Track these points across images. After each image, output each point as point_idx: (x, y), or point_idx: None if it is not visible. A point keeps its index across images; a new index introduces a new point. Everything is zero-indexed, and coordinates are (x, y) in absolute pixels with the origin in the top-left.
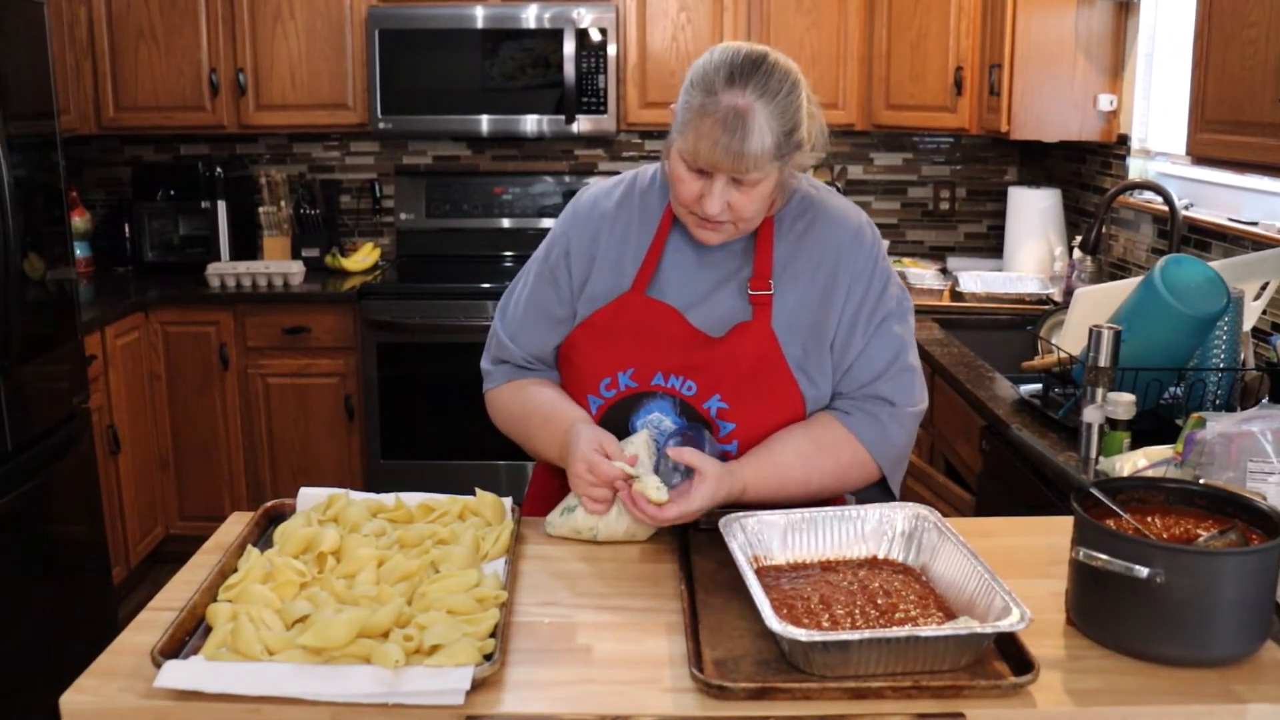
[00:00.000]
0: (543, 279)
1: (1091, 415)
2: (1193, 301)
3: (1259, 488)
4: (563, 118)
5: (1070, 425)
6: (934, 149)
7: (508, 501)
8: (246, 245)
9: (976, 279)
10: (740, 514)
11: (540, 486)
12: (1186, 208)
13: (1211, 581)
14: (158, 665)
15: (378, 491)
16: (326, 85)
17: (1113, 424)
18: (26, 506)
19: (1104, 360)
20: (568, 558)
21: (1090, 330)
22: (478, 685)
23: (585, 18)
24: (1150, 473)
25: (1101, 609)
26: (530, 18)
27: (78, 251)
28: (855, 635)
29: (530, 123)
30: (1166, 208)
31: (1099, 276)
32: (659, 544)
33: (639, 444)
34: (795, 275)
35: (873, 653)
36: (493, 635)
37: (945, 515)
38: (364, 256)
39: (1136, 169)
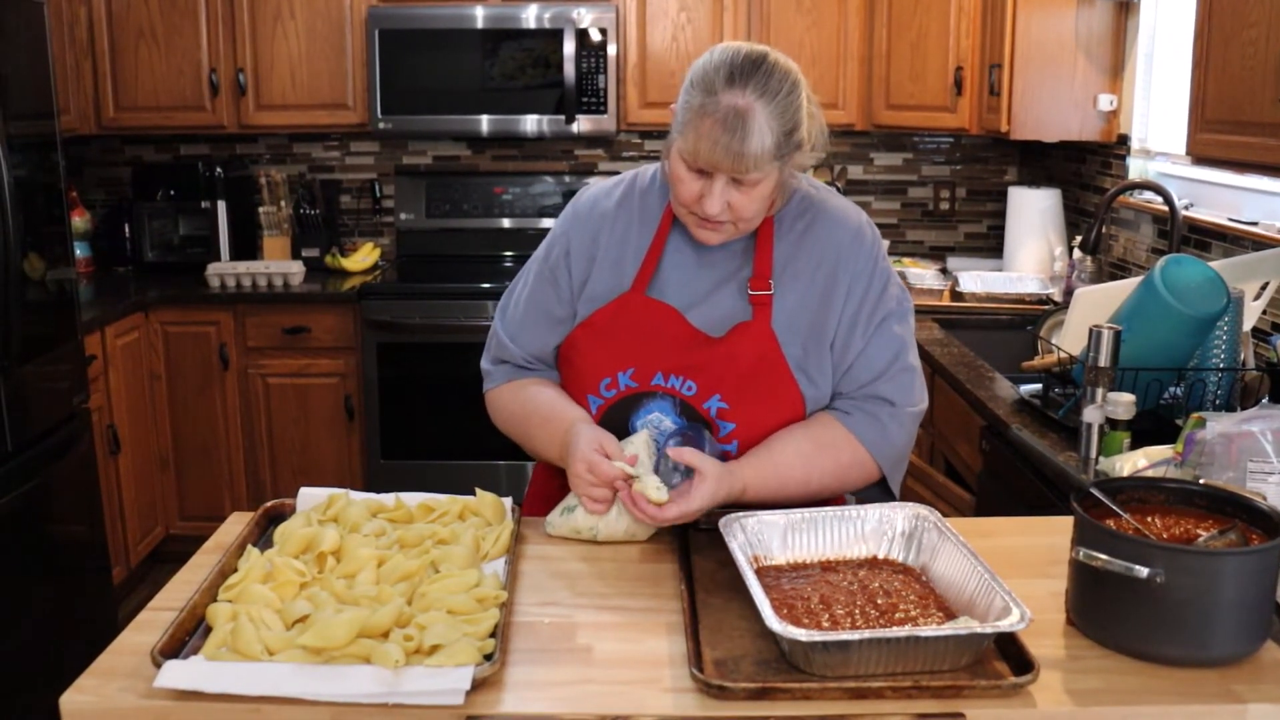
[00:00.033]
0: (543, 279)
1: (1091, 415)
2: (1193, 301)
3: (1259, 488)
4: (563, 118)
5: (1070, 425)
6: (934, 149)
7: (508, 501)
8: (246, 245)
9: (976, 279)
10: (740, 514)
11: (540, 486)
12: (1186, 208)
13: (1211, 581)
14: (158, 665)
15: (378, 491)
16: (326, 85)
17: (1113, 424)
18: (26, 506)
19: (1104, 360)
20: (568, 558)
21: (1090, 330)
22: (478, 685)
23: (585, 18)
24: (1150, 473)
25: (1101, 609)
26: (530, 18)
27: (78, 251)
28: (855, 635)
29: (530, 123)
30: (1166, 208)
31: (1099, 276)
32: (659, 544)
33: (639, 444)
34: (795, 275)
35: (873, 653)
36: (493, 635)
37: (945, 515)
38: (364, 256)
39: (1136, 169)
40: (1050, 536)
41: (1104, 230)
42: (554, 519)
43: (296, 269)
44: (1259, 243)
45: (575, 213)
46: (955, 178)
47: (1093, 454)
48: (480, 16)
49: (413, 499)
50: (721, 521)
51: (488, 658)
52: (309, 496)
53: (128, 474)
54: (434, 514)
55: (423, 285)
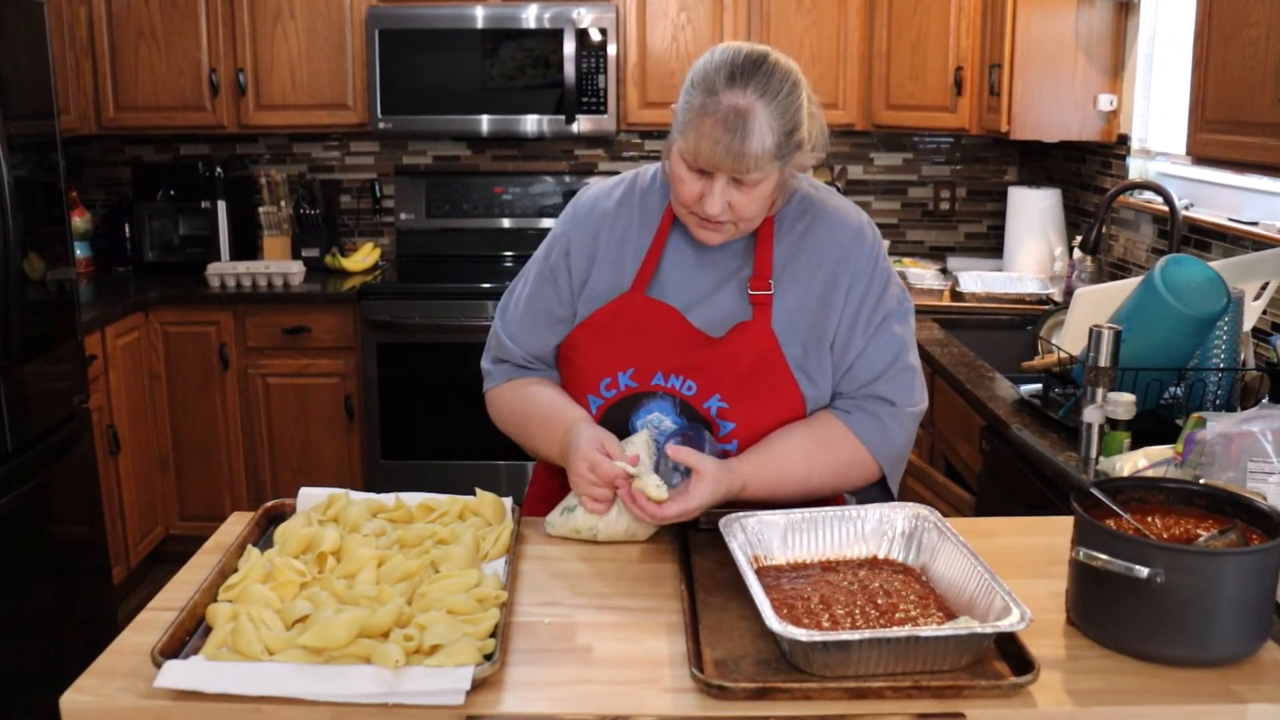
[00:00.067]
0: (543, 279)
1: (1091, 415)
2: (1193, 301)
3: (1259, 488)
4: (563, 118)
5: (1070, 425)
6: (934, 149)
7: (508, 501)
8: (246, 245)
9: (976, 279)
10: (740, 514)
11: (540, 486)
12: (1186, 208)
13: (1211, 581)
14: (158, 665)
15: (378, 491)
16: (326, 85)
17: (1113, 424)
18: (26, 506)
19: (1104, 360)
20: (568, 558)
21: (1090, 330)
22: (478, 685)
23: (585, 18)
24: (1150, 473)
25: (1101, 609)
26: (530, 18)
27: (78, 251)
28: (855, 635)
29: (530, 123)
30: (1166, 208)
31: (1099, 276)
32: (659, 544)
33: (639, 444)
34: (795, 275)
35: (873, 653)
36: (493, 635)
37: (945, 515)
38: (364, 256)
39: (1136, 169)
40: (1050, 536)
41: (1104, 230)
42: (554, 519)
43: (296, 269)
44: (1259, 243)
45: (575, 213)
46: (955, 178)
47: (1093, 454)
48: (480, 16)
49: (413, 499)
50: (722, 521)
51: (488, 658)
52: (309, 496)
53: (128, 474)
54: (434, 514)
55: (423, 285)
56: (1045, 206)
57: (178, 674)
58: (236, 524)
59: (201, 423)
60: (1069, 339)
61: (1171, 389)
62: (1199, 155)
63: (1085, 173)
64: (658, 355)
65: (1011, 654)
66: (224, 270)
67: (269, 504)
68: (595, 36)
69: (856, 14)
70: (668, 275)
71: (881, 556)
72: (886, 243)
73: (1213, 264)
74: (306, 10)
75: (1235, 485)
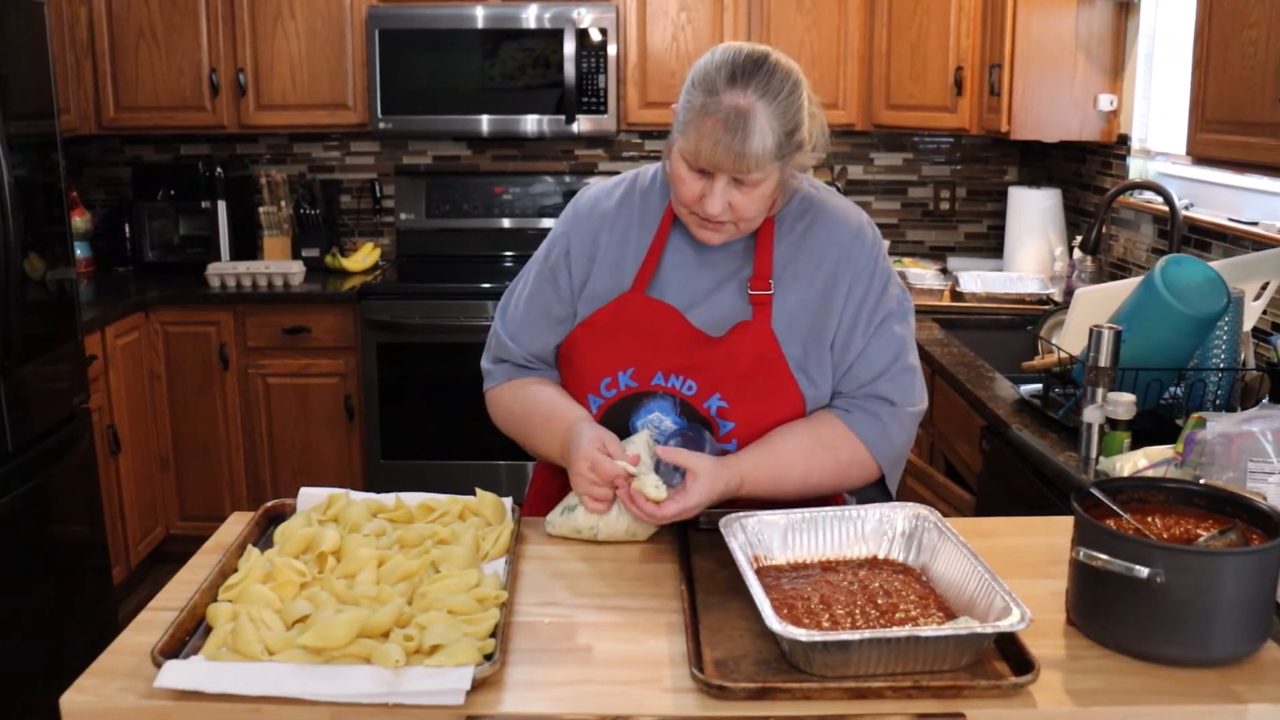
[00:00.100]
0: (543, 278)
1: (1092, 415)
2: (1193, 301)
3: (1259, 488)
4: (563, 118)
5: (1070, 425)
6: (934, 149)
7: (508, 501)
8: (247, 245)
9: (977, 279)
10: (740, 514)
11: (541, 486)
12: (1187, 208)
13: (1211, 581)
14: (158, 665)
15: (378, 491)
16: (326, 85)
17: (1113, 424)
18: (26, 506)
19: (1104, 360)
20: (568, 558)
21: (1090, 330)
22: (478, 685)
23: (585, 18)
24: (1150, 473)
25: (1102, 609)
26: (530, 18)
27: (78, 251)
28: (855, 635)
29: (530, 123)
30: (1167, 208)
31: (1099, 276)
32: (659, 544)
33: (640, 444)
34: (795, 275)
35: (873, 653)
36: (493, 635)
37: (945, 515)
38: (364, 256)
39: (1137, 169)
40: (1050, 536)
41: (1104, 230)
42: (554, 519)
43: (297, 269)
44: (1259, 243)
45: (576, 212)
46: (955, 178)
47: (1093, 454)
48: (480, 16)
49: (413, 499)
50: (722, 521)
51: (488, 658)
52: (309, 496)
53: (128, 474)
54: (434, 514)
55: (423, 285)
56: (1045, 206)
57: (178, 674)
58: (236, 524)
59: (201, 423)
60: (1069, 339)
61: (1171, 389)
62: (1199, 155)
63: (1085, 173)
64: (658, 355)
65: (1012, 654)
66: (224, 270)
67: (269, 504)
68: (595, 36)
69: (856, 14)
70: (668, 275)
71: (882, 556)
72: (887, 243)
73: (1213, 264)
74: (307, 10)
75: (1235, 485)
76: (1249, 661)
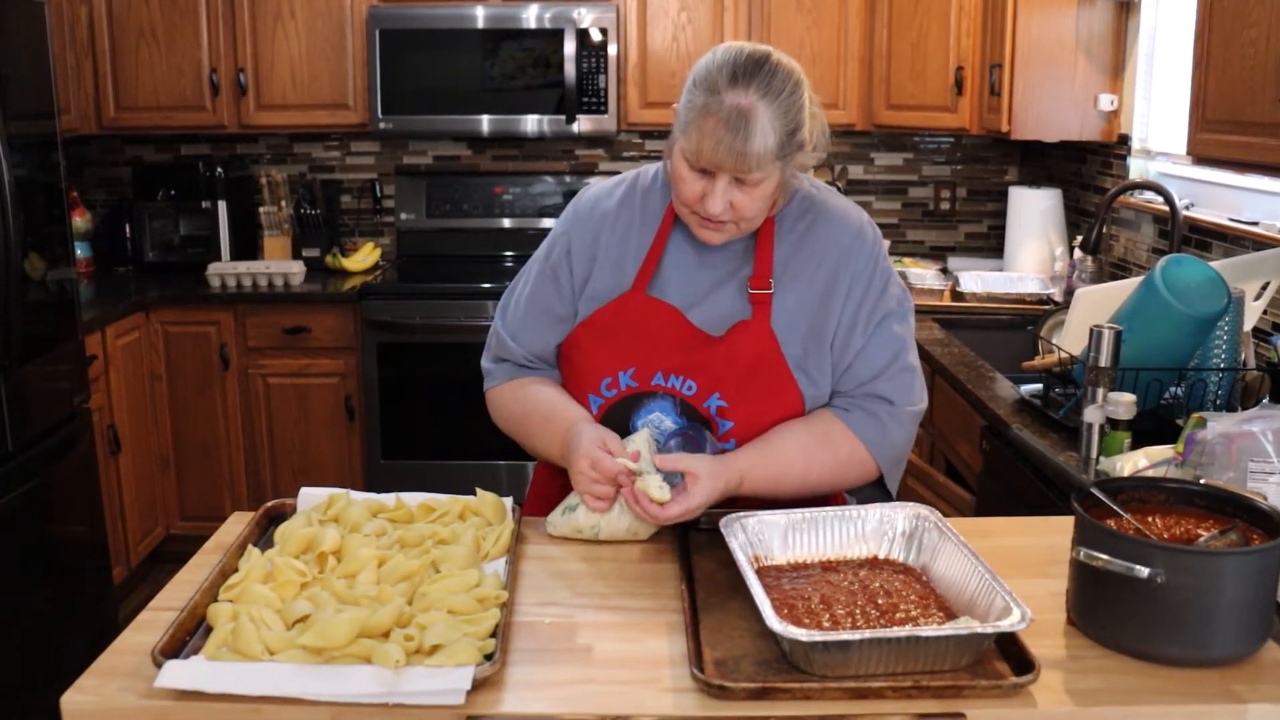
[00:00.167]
0: (544, 278)
1: (1092, 415)
2: (1193, 301)
3: (1259, 488)
4: (563, 118)
5: (1071, 425)
6: (934, 149)
7: (508, 501)
8: (247, 245)
9: (977, 279)
10: (741, 514)
11: (541, 486)
12: (1187, 208)
13: (1212, 581)
14: (158, 665)
15: (378, 491)
16: (327, 85)
17: (1113, 424)
18: (27, 506)
19: (1104, 360)
20: (568, 558)
21: (1091, 330)
22: (478, 685)
23: (586, 18)
24: (1151, 473)
25: (1102, 609)
26: (531, 18)
27: (78, 251)
28: (856, 635)
29: (531, 123)
30: (1167, 208)
31: (1099, 276)
32: (659, 544)
33: (640, 441)
34: (796, 275)
35: (873, 653)
36: (493, 635)
37: (945, 515)
38: (364, 256)
39: (1137, 169)
40: (1050, 536)
41: (1104, 230)
42: (555, 519)
43: (297, 269)
44: (1259, 243)
45: (576, 212)
46: (956, 178)
47: (1093, 454)
48: (481, 16)
49: (413, 499)
50: (722, 521)
51: (488, 658)
52: (309, 496)
53: (128, 474)
54: (434, 514)
55: (423, 285)
56: (1046, 206)
57: (178, 674)
58: (237, 524)
59: (202, 423)
60: (1069, 339)
61: (1172, 389)
62: (1199, 155)
63: (1086, 173)
64: (658, 355)
65: (1012, 654)
66: (224, 270)
67: (269, 504)
68: (596, 36)
69: (857, 14)
70: (668, 274)
71: (882, 556)
72: (887, 243)
73: (1213, 264)
74: (307, 10)
75: (1236, 485)
76: (1249, 661)
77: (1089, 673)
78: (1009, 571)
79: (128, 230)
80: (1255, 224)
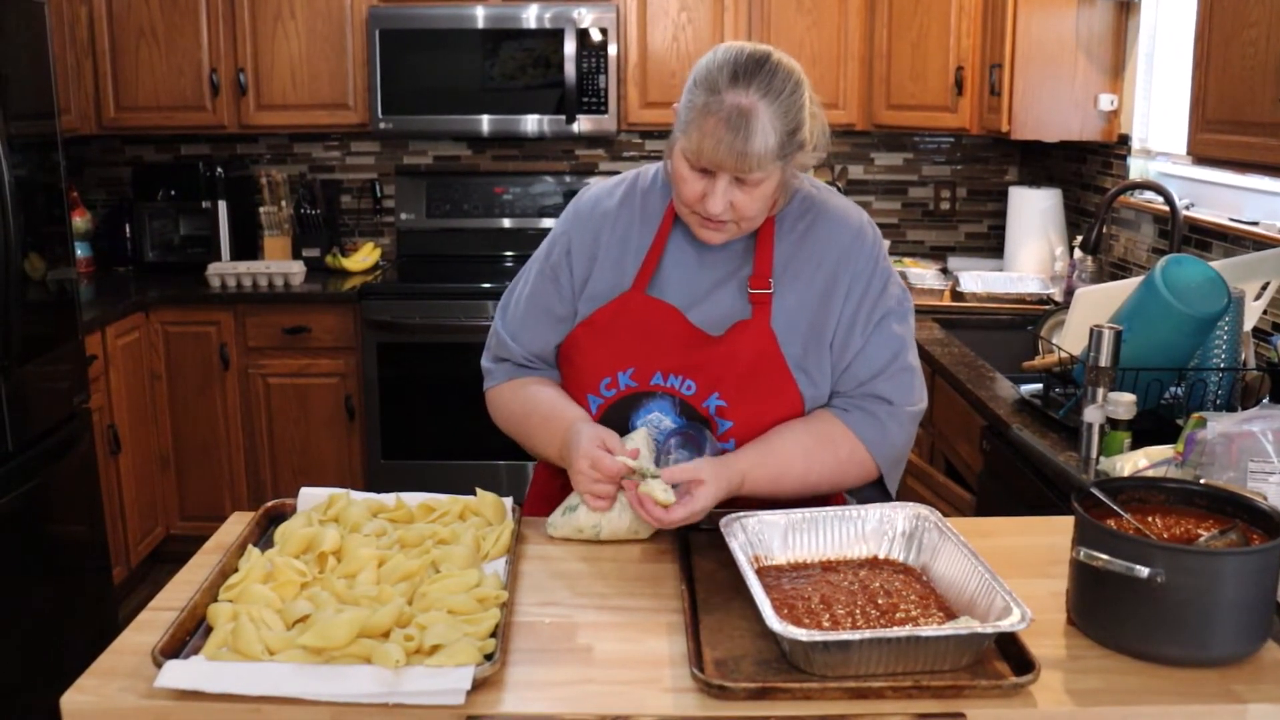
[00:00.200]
0: (544, 277)
1: (1092, 415)
2: (1193, 301)
3: (1259, 488)
4: (563, 118)
5: (1071, 425)
6: (934, 149)
7: (508, 501)
8: (247, 245)
9: (977, 279)
10: (741, 514)
11: (541, 486)
12: (1187, 208)
13: (1212, 581)
14: (158, 665)
15: (378, 491)
16: (327, 85)
17: (1113, 424)
18: (26, 506)
19: (1104, 360)
20: (568, 558)
21: (1091, 330)
22: (478, 685)
23: (586, 18)
24: (1151, 473)
25: (1102, 609)
26: (531, 18)
27: (78, 251)
28: (856, 635)
29: (531, 123)
30: (1167, 208)
31: (1099, 276)
32: (659, 544)
33: (639, 440)
34: (795, 275)
35: (873, 653)
36: (493, 635)
37: (945, 515)
38: (364, 256)
39: (1137, 169)
40: (1050, 536)
41: (1104, 230)
42: (555, 519)
43: (297, 269)
44: (1259, 243)
45: (577, 212)
46: (956, 178)
47: (1093, 454)
48: (481, 16)
49: (413, 499)
50: (722, 521)
51: (488, 658)
52: (309, 496)
53: (128, 474)
54: (434, 514)
55: (423, 285)
56: (1046, 206)
57: (178, 674)
58: (237, 524)
59: (202, 423)
60: (1069, 339)
61: (1172, 389)
62: (1199, 155)
63: (1086, 173)
64: (658, 354)
65: (1012, 654)
66: (224, 270)
67: (269, 504)
68: (596, 36)
69: (857, 14)
70: (668, 274)
71: (882, 556)
72: (887, 243)
73: (1213, 264)
74: (307, 10)
75: (1236, 485)
76: (1249, 661)
77: (1089, 673)
78: (1009, 571)
79: (128, 230)
80: (1255, 224)
